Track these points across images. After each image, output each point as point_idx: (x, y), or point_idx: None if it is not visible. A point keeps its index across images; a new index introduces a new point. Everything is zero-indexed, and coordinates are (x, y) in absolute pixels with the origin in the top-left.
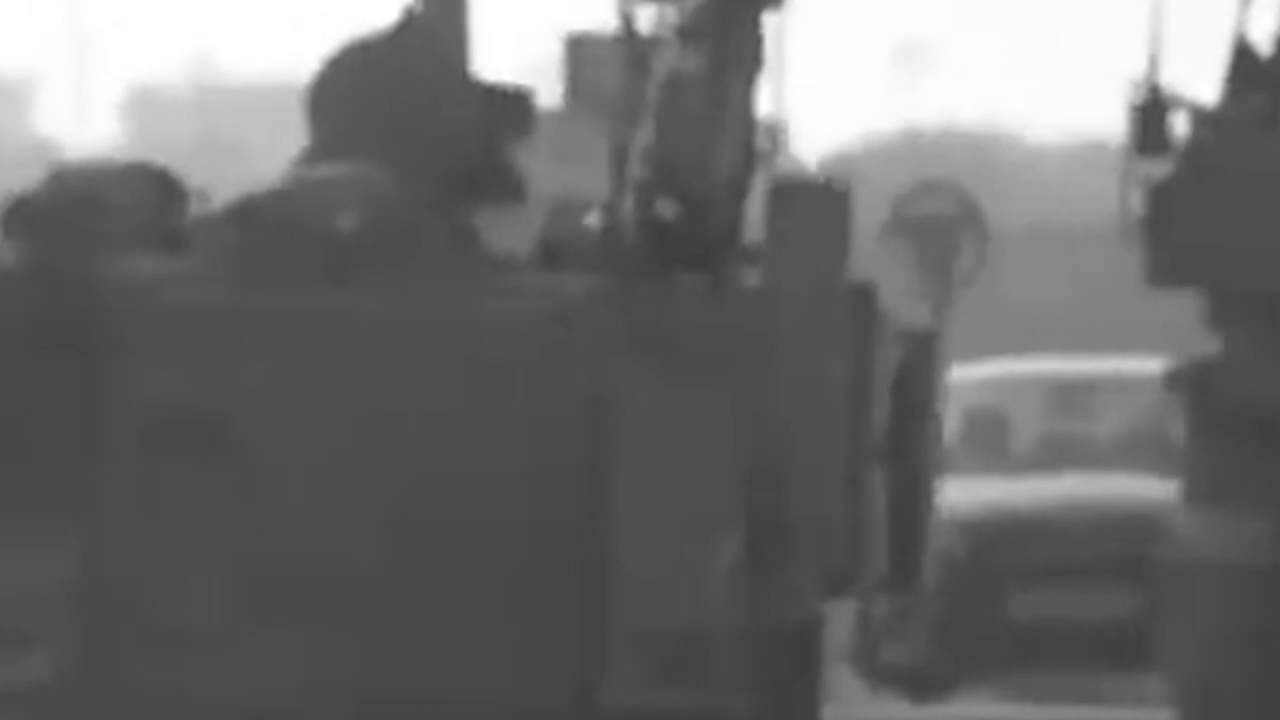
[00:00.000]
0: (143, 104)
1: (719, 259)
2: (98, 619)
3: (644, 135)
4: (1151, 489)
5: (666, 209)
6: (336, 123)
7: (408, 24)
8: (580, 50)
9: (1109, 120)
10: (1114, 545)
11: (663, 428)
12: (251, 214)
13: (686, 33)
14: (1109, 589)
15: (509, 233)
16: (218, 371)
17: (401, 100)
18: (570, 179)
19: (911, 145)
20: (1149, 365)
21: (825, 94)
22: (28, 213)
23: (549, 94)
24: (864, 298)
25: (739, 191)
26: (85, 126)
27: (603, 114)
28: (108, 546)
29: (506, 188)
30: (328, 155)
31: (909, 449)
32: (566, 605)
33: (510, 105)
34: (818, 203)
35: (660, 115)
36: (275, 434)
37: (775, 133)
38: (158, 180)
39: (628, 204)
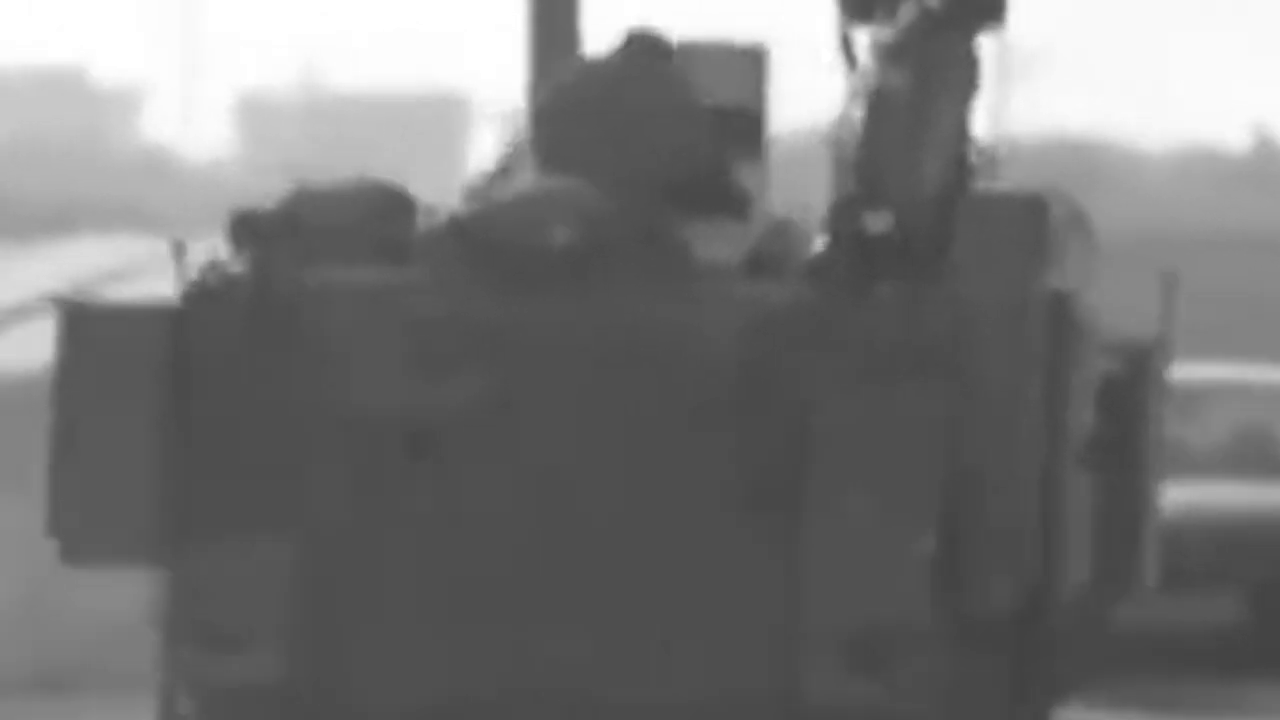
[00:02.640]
0: (252, 112)
1: (922, 271)
2: (313, 621)
3: (853, 151)
4: (1256, 496)
5: (873, 222)
6: (562, 138)
7: (634, 45)
8: (687, 59)
9: (1216, 130)
10: (1215, 553)
11: (861, 433)
12: (469, 228)
13: (894, 52)
14: (1210, 596)
15: (723, 246)
16: (435, 381)
17: (627, 117)
18: None
19: (1014, 153)
20: (1254, 372)
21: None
22: (256, 225)
23: None
24: (1061, 307)
25: (947, 206)
26: (194, 133)
27: None
28: (324, 551)
29: (731, 204)
30: (552, 169)
31: (1120, 455)
32: (767, 602)
33: (740, 125)
34: (1014, 215)
35: (867, 131)
36: (488, 442)
37: (990, 150)
38: (386, 195)
39: (835, 216)
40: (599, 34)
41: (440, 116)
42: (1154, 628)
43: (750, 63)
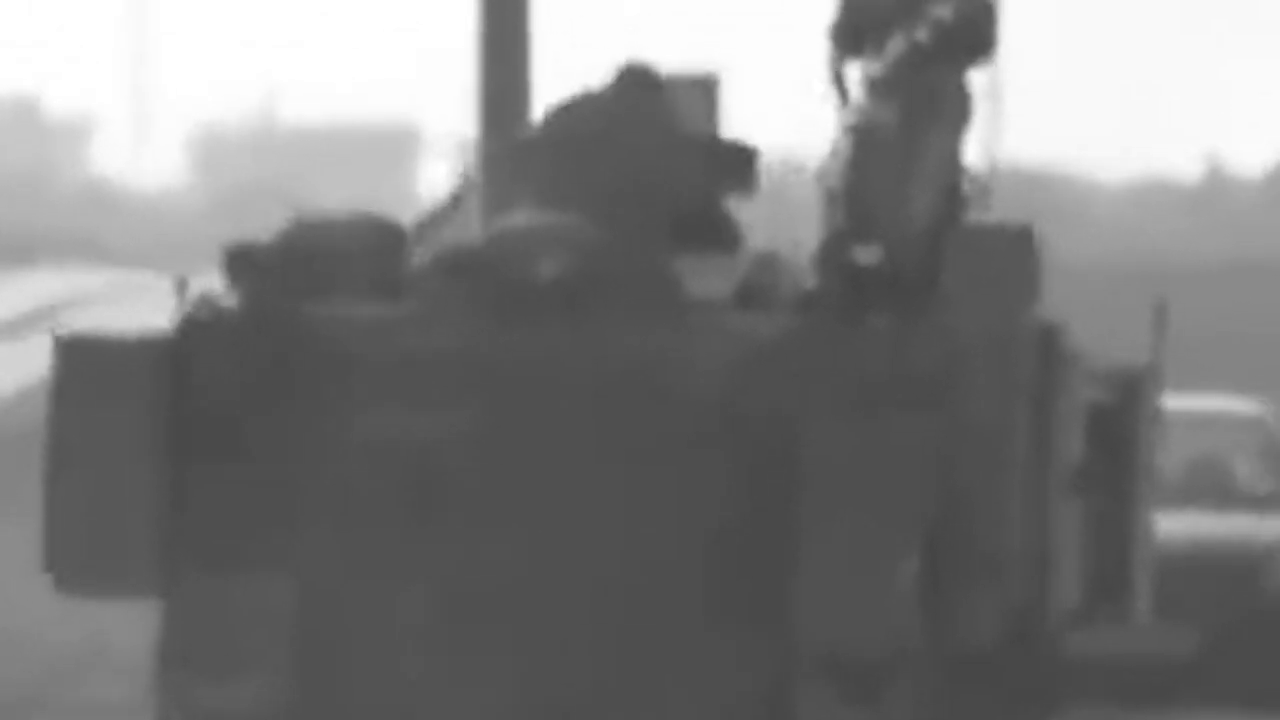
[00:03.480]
0: (204, 143)
1: (912, 302)
2: (310, 649)
3: (840, 183)
4: (1210, 527)
5: (863, 255)
6: (555, 171)
7: (626, 78)
8: None
9: (1169, 160)
10: (1168, 584)
11: (849, 462)
12: (460, 262)
13: (882, 86)
14: (1162, 627)
15: (713, 279)
16: (429, 413)
17: (620, 151)
18: None
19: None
20: (1209, 402)
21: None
22: (252, 258)
23: None
24: (1050, 338)
25: (936, 238)
26: (145, 164)
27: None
28: (320, 579)
29: (722, 237)
30: (545, 202)
31: (1109, 483)
32: (758, 631)
33: (734, 160)
34: (1002, 247)
35: (854, 165)
36: (483, 473)
37: (981, 181)
38: (380, 229)
39: (825, 249)
40: (551, 69)
41: (392, 149)
42: (1105, 658)
43: (703, 92)
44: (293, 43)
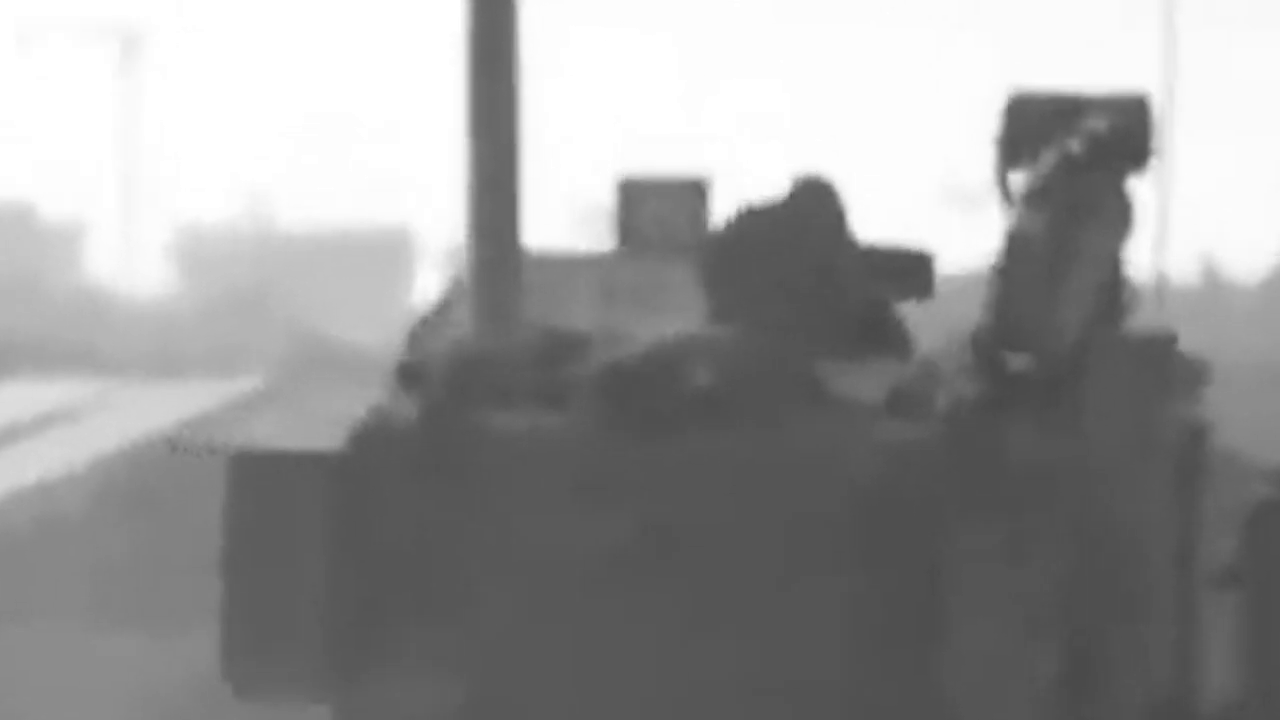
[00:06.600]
0: (194, 249)
1: (1056, 405)
2: None
3: (992, 289)
4: None
5: (1011, 360)
6: (730, 281)
7: (801, 189)
8: (631, 194)
9: (1165, 262)
10: None
11: (991, 563)
12: (619, 371)
13: (1034, 195)
14: None
15: (869, 384)
16: (588, 519)
17: (794, 260)
18: (619, 320)
19: (953, 287)
20: None
21: (871, 233)
22: (423, 370)
23: (600, 236)
24: (1196, 437)
25: (1086, 345)
26: (135, 270)
27: (651, 256)
28: (489, 681)
29: (894, 342)
30: (720, 312)
31: (1263, 581)
32: None
33: (909, 266)
34: (1142, 352)
35: (1004, 271)
36: (641, 573)
37: (1132, 288)
38: (551, 341)
39: (973, 354)
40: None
41: (383, 253)
42: None
43: (693, 195)
44: (280, 146)
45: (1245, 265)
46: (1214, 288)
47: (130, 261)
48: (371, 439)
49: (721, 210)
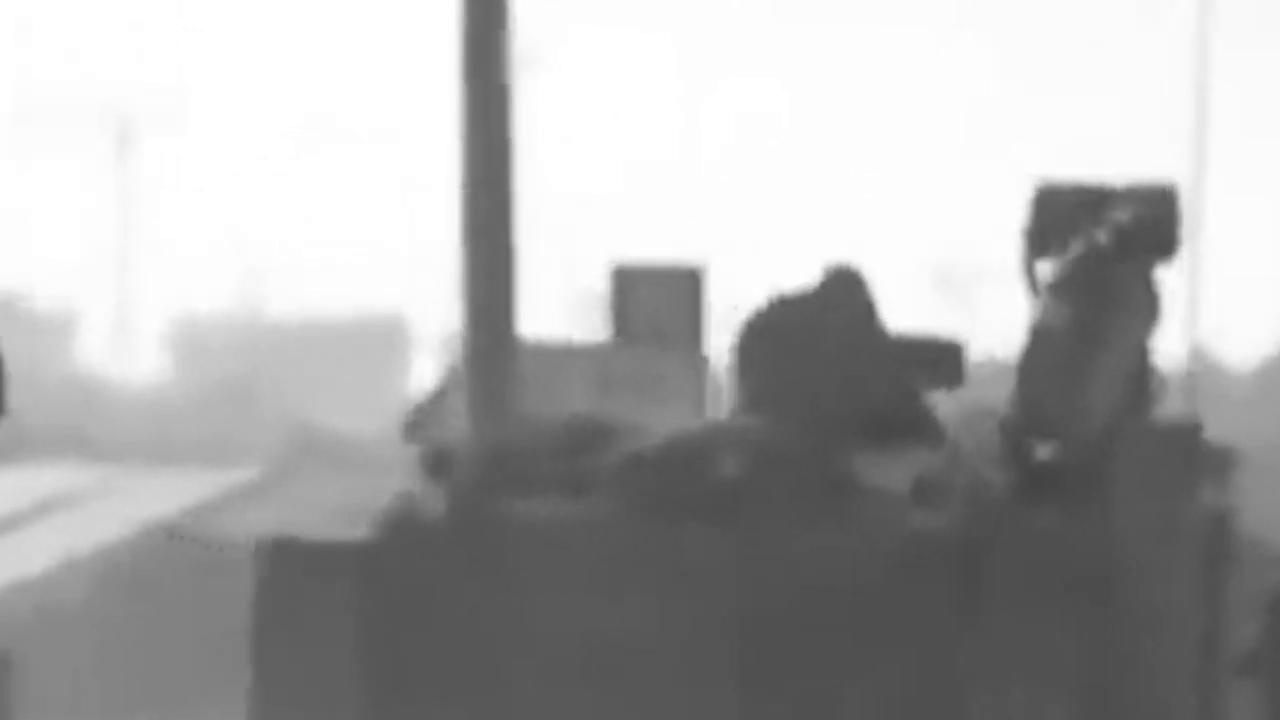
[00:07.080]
0: (187, 337)
1: (1081, 493)
2: None
3: (1017, 379)
4: None
5: (1039, 450)
6: (761, 370)
7: (831, 279)
8: (625, 282)
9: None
10: None
11: (1016, 649)
12: (645, 461)
13: (1059, 286)
14: None
15: (894, 472)
16: (613, 601)
17: (824, 350)
18: (615, 409)
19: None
20: None
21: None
22: (451, 459)
23: (594, 324)
24: (1220, 524)
25: (1113, 433)
26: (128, 358)
27: (646, 345)
28: None
29: (922, 431)
30: (751, 401)
31: None
32: None
33: (938, 356)
34: (1167, 441)
35: (1029, 361)
36: (660, 660)
37: (1159, 377)
38: (581, 430)
39: (998, 443)
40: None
41: (377, 340)
42: None
43: (687, 283)
44: (274, 233)
45: (1238, 351)
46: (1206, 371)
47: (123, 349)
48: (401, 528)
49: (714, 297)
